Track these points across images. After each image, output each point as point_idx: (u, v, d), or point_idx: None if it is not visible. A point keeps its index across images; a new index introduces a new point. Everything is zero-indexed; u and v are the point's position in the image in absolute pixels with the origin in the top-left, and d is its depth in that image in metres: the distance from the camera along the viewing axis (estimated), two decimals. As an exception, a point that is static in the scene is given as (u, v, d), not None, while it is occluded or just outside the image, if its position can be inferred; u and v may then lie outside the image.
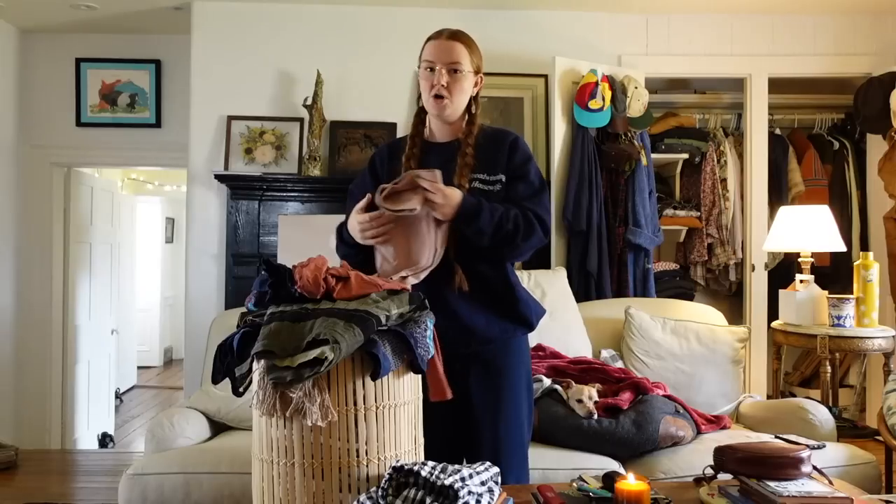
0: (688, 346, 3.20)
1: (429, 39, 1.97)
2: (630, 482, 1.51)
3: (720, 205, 4.47)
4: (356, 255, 1.93)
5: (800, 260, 3.67)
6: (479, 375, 1.93)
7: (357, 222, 1.85)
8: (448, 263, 1.87)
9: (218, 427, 2.94)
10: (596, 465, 2.50)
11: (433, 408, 1.75)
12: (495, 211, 1.85)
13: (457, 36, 1.96)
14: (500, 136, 2.01)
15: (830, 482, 1.71)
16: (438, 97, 1.92)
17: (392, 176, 1.88)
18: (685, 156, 4.54)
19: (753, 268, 4.29)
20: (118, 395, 6.45)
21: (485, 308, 1.91)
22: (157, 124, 4.66)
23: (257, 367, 1.55)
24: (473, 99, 1.99)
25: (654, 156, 4.24)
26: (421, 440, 1.71)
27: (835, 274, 4.42)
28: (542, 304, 2.08)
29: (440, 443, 1.81)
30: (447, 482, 1.40)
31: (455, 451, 1.92)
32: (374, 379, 1.54)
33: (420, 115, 2.02)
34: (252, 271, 3.92)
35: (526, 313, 1.96)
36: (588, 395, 2.71)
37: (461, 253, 1.88)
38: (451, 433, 1.92)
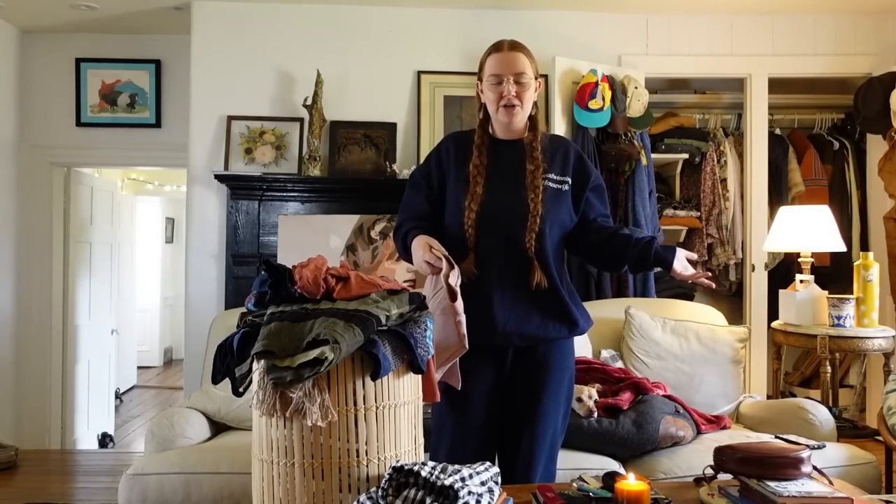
0: (688, 346, 3.20)
1: (490, 52, 2.05)
2: (630, 482, 1.51)
3: (720, 205, 4.46)
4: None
5: (800, 260, 3.67)
6: (525, 370, 2.02)
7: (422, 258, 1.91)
8: (527, 261, 1.97)
9: (218, 427, 2.94)
10: (596, 465, 2.50)
11: (476, 396, 1.93)
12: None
13: (517, 46, 2.05)
14: (560, 140, 2.18)
15: (830, 482, 1.71)
16: (510, 106, 2.00)
17: (460, 173, 2.04)
18: (685, 156, 4.54)
19: (753, 268, 4.28)
20: (118, 395, 6.44)
21: (541, 308, 2.00)
22: (157, 124, 4.66)
23: (257, 367, 1.55)
24: (534, 103, 2.08)
25: (654, 156, 4.24)
26: (421, 440, 1.70)
27: (835, 274, 4.41)
28: None
29: (478, 429, 1.98)
30: (447, 482, 1.40)
31: (492, 439, 2.03)
32: (374, 379, 1.54)
33: (483, 124, 2.11)
34: (252, 271, 3.92)
35: (578, 318, 2.06)
36: (588, 394, 2.71)
37: (538, 253, 1.98)
38: (489, 421, 2.02)
